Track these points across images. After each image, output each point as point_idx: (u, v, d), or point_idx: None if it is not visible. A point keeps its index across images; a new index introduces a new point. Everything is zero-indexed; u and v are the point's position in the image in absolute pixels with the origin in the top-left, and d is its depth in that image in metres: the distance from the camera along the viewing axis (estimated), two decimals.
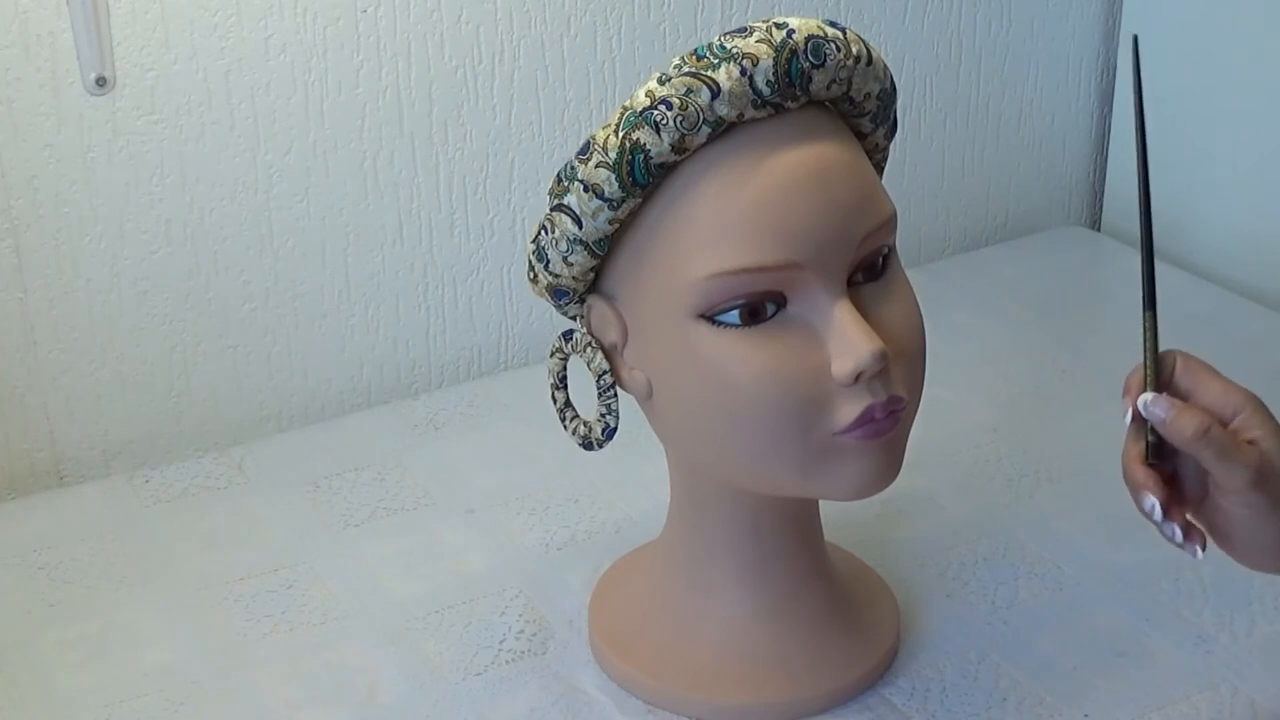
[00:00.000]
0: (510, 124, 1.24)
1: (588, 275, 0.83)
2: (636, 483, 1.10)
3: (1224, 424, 0.79)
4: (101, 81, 1.04)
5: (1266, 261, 1.38)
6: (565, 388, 0.89)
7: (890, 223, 0.82)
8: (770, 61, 0.78)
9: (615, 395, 0.86)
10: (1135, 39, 0.81)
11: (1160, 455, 0.80)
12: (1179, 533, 0.79)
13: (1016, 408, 1.21)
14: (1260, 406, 0.80)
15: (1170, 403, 0.79)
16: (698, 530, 0.90)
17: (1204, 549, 0.80)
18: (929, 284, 1.25)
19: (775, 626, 0.90)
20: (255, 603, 1.00)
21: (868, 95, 0.83)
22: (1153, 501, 0.79)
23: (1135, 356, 1.27)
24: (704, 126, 0.78)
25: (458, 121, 1.22)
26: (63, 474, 1.17)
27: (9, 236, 1.09)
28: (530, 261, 0.85)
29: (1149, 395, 0.80)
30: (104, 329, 1.15)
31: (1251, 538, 0.80)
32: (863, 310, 0.80)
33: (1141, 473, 0.80)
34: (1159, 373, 0.81)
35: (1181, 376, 0.81)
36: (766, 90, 0.78)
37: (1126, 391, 0.82)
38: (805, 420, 0.79)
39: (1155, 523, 0.80)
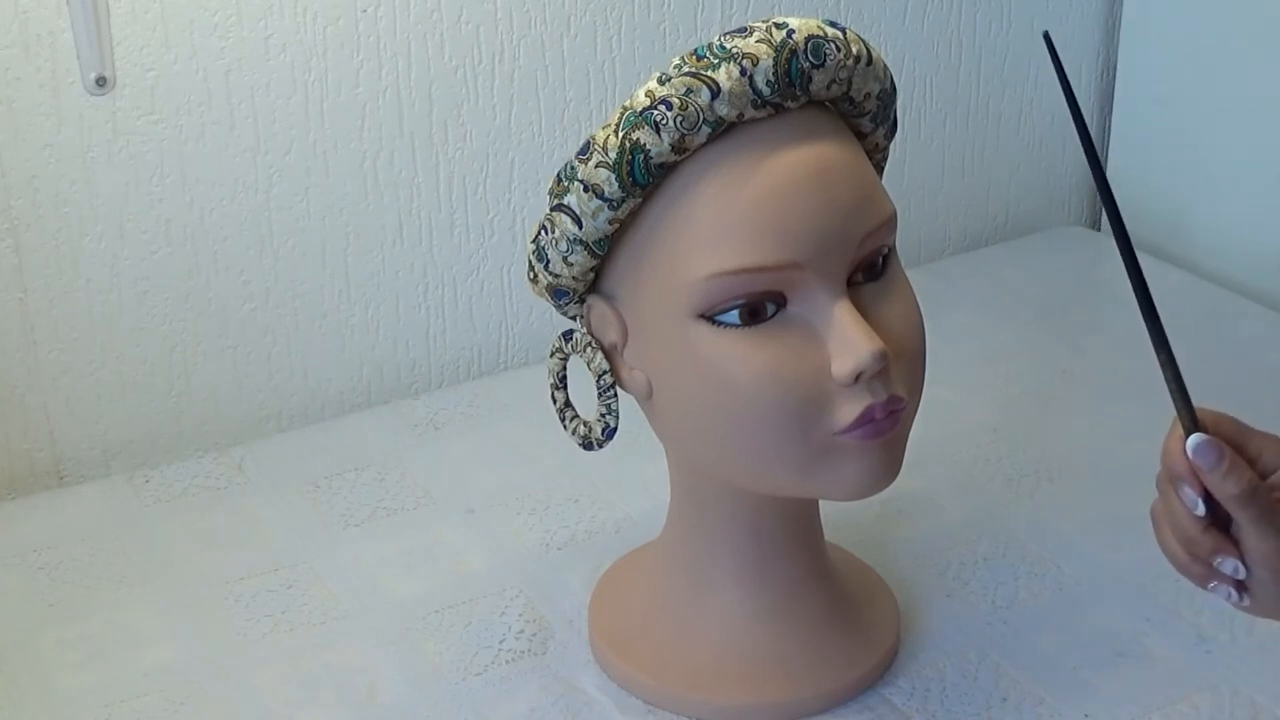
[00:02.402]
0: (510, 124, 1.24)
1: (588, 275, 0.83)
2: (636, 483, 1.10)
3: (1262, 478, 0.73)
4: (101, 81, 1.04)
5: (1266, 261, 1.38)
6: (565, 388, 0.89)
7: (890, 223, 0.82)
8: (770, 61, 0.78)
9: (615, 395, 0.86)
10: (1046, 34, 0.74)
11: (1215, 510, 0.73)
12: (1235, 594, 0.74)
13: (1016, 408, 1.21)
14: None
15: (1223, 450, 0.72)
16: (698, 530, 0.90)
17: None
18: (929, 284, 1.25)
19: (775, 626, 0.90)
20: (255, 603, 1.00)
21: (868, 95, 0.83)
22: (1235, 563, 0.73)
23: (1134, 357, 1.27)
24: (704, 126, 0.78)
25: (458, 121, 1.22)
26: (63, 474, 1.17)
27: (9, 236, 1.09)
28: (530, 261, 0.85)
29: (1200, 436, 0.73)
30: (104, 329, 1.15)
31: (1270, 598, 0.74)
32: (863, 310, 0.80)
33: (1213, 539, 0.73)
34: (1193, 419, 0.74)
35: (1215, 428, 0.74)
36: (766, 90, 0.78)
37: (1171, 471, 0.74)
38: (805, 420, 0.79)
39: (1225, 581, 0.74)
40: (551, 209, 0.82)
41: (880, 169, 0.90)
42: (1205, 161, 1.42)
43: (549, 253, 0.83)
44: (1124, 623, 0.97)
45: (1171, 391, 0.75)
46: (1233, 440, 0.74)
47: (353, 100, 1.17)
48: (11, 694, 0.93)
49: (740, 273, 0.78)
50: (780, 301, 0.79)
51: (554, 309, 0.92)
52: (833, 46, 0.80)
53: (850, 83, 0.81)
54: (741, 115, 0.78)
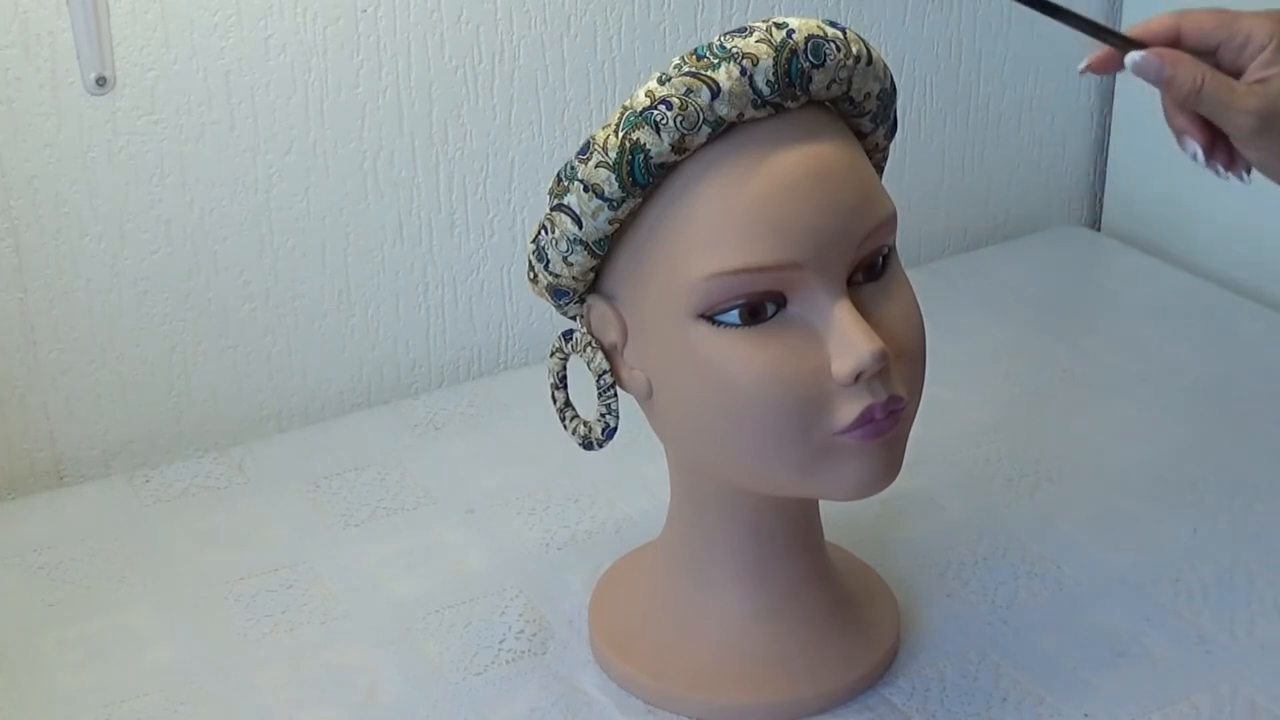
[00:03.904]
0: (510, 124, 1.24)
1: (588, 275, 0.83)
2: (636, 483, 1.10)
3: (1234, 58, 0.74)
4: (101, 81, 1.04)
5: (1266, 261, 1.38)
6: (565, 388, 0.89)
7: (890, 222, 0.82)
8: (770, 61, 0.78)
9: (615, 395, 0.86)
10: None
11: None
12: (1221, 169, 0.77)
13: (1016, 408, 1.21)
14: None
15: (1159, 60, 0.75)
16: (698, 530, 0.90)
17: (1249, 174, 0.77)
18: (929, 284, 1.25)
19: (775, 626, 0.90)
20: (255, 603, 1.00)
21: (868, 95, 0.83)
22: (1194, 148, 0.77)
23: (1135, 357, 1.27)
24: (704, 126, 0.78)
25: (458, 121, 1.22)
26: (63, 474, 1.17)
27: (9, 236, 1.09)
28: (530, 261, 0.85)
29: (1135, 55, 0.76)
30: (104, 329, 1.15)
31: (1272, 175, 0.77)
32: (863, 310, 0.80)
33: (1181, 119, 0.77)
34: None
35: (1169, 23, 0.77)
36: (766, 90, 0.78)
37: (1091, 68, 0.78)
38: (805, 420, 0.79)
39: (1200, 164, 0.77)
40: (551, 209, 0.82)
41: (880, 169, 0.90)
42: None
43: (549, 253, 0.83)
44: (1124, 623, 0.97)
45: (1095, 32, 0.77)
46: (1214, 31, 0.75)
47: (353, 100, 1.17)
48: (11, 694, 0.93)
49: (740, 273, 0.78)
50: (780, 301, 0.79)
51: (554, 309, 0.92)
52: (833, 46, 0.80)
53: (850, 83, 0.81)
54: (741, 115, 0.78)
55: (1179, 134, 0.78)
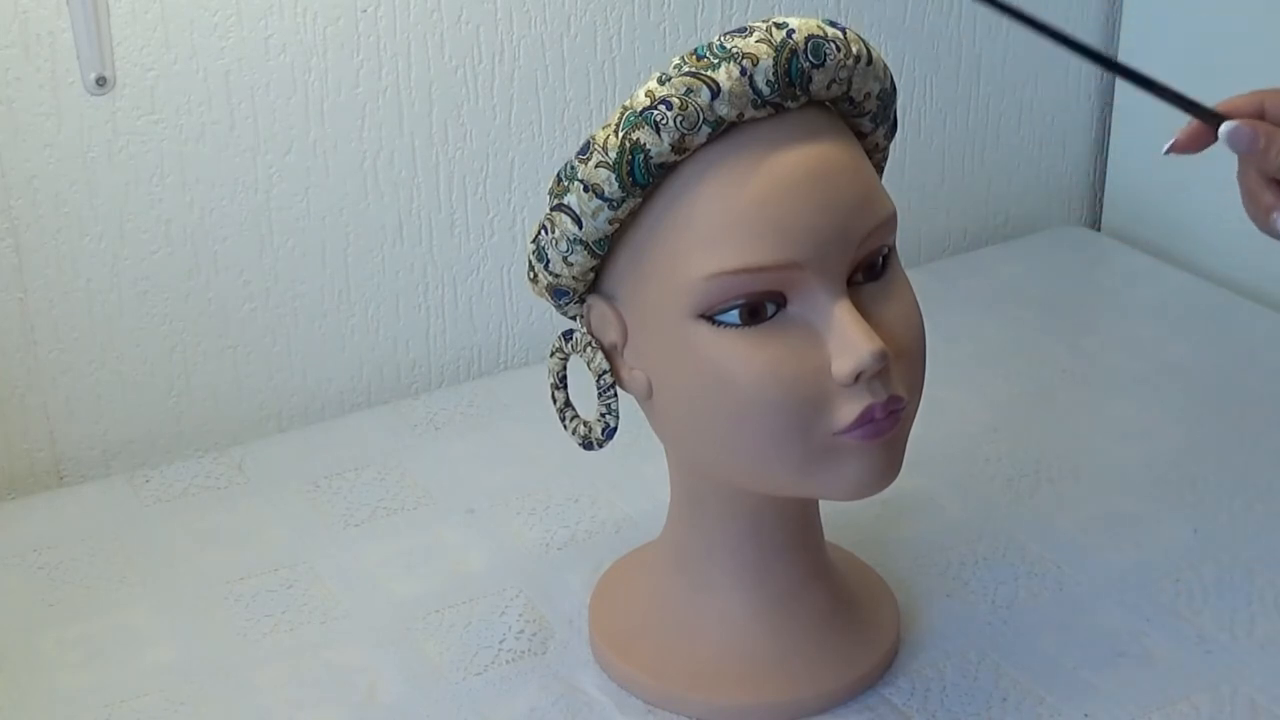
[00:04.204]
0: (510, 124, 1.24)
1: (588, 275, 0.83)
2: (636, 483, 1.10)
3: None
4: (101, 81, 1.04)
5: (1266, 261, 1.38)
6: (565, 388, 0.89)
7: (890, 222, 0.82)
8: (770, 61, 0.78)
9: (615, 395, 0.86)
10: None
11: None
12: None
13: (1016, 408, 1.21)
14: None
15: (1253, 129, 0.75)
16: (698, 530, 0.90)
17: None
18: (929, 284, 1.25)
19: (775, 626, 0.90)
20: (255, 603, 1.00)
21: (868, 95, 0.83)
22: None
23: (1135, 357, 1.28)
24: (704, 126, 0.78)
25: (458, 121, 1.22)
26: (63, 474, 1.17)
27: (9, 236, 1.09)
28: (530, 261, 0.85)
29: (1230, 124, 0.76)
30: (104, 329, 1.15)
31: None
32: (863, 310, 0.80)
33: (1269, 195, 0.77)
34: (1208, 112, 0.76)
35: (1248, 102, 0.77)
36: (766, 90, 0.78)
37: (1176, 147, 0.79)
38: (805, 420, 0.79)
39: None
40: (551, 209, 0.82)
41: (880, 169, 0.90)
42: (1205, 161, 1.42)
43: (549, 252, 0.83)
44: (1124, 623, 0.97)
45: (1185, 107, 0.77)
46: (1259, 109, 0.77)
47: (353, 100, 1.17)
48: (11, 694, 0.93)
49: (740, 273, 0.78)
50: (780, 301, 0.79)
51: (554, 309, 0.92)
52: (833, 46, 0.80)
53: (850, 83, 0.81)
54: (741, 115, 0.78)
55: (1267, 211, 0.78)
